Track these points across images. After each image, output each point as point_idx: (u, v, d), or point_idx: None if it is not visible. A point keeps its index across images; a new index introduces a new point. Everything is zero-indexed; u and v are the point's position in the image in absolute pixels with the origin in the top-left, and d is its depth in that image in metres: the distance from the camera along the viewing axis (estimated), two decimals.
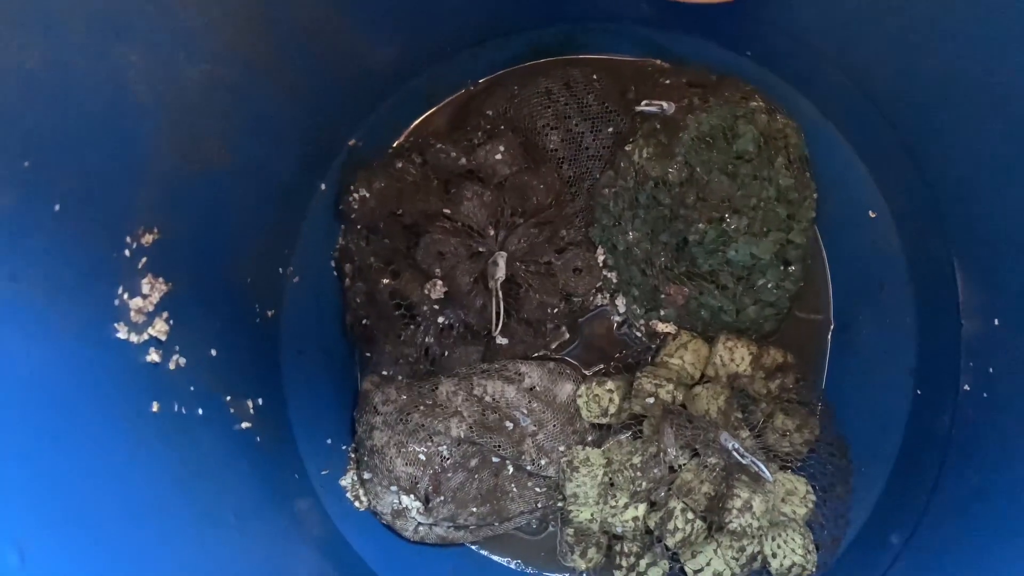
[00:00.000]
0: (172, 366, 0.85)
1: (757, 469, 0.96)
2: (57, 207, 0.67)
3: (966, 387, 0.96)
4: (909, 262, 1.05)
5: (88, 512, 0.70)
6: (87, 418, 0.73)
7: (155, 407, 0.81)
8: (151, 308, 0.81)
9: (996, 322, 0.91)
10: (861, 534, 1.04)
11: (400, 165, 1.09)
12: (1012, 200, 0.86)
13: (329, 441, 1.10)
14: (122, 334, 0.78)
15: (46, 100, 0.64)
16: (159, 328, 0.82)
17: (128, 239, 0.77)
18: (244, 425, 0.97)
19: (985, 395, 0.93)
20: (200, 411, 0.88)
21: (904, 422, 1.04)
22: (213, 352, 0.92)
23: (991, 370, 0.92)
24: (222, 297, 0.95)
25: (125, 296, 0.78)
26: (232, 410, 0.95)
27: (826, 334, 1.11)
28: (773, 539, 1.01)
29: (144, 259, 0.80)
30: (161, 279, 0.82)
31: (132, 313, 0.79)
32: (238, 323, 0.99)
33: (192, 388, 0.87)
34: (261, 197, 0.99)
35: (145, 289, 0.80)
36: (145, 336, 0.81)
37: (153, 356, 0.82)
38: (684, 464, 1.00)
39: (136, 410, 0.80)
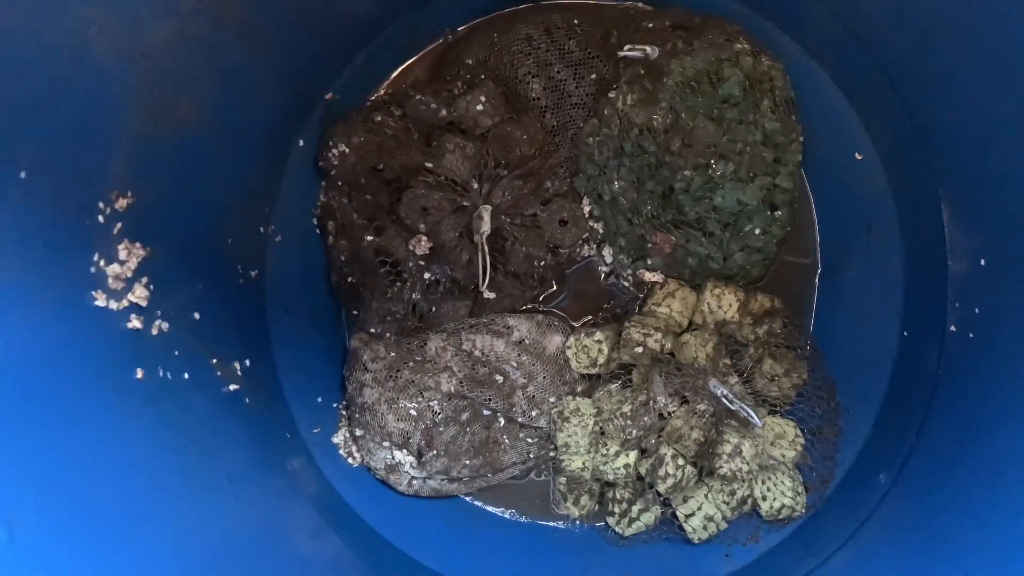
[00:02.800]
0: (155, 331, 0.84)
1: (746, 414, 0.97)
2: (23, 174, 0.65)
3: (952, 328, 0.96)
4: (896, 203, 1.04)
5: (77, 485, 0.70)
6: (70, 388, 0.72)
7: (139, 374, 0.80)
8: (129, 274, 0.79)
9: (982, 262, 0.91)
10: (850, 474, 1.05)
11: (379, 118, 1.06)
12: (999, 138, 0.85)
13: (320, 399, 1.10)
14: (101, 302, 0.76)
15: (1, 63, 0.62)
16: (139, 294, 0.81)
17: (101, 204, 0.75)
18: (232, 387, 0.96)
19: (971, 335, 0.94)
20: (186, 375, 0.88)
21: (891, 363, 1.05)
22: (196, 315, 0.91)
23: (977, 310, 0.92)
24: (203, 259, 0.93)
25: (101, 263, 0.76)
26: (219, 372, 0.94)
27: (813, 278, 1.10)
28: (763, 482, 1.02)
29: (119, 224, 0.78)
30: (138, 244, 0.80)
31: (110, 280, 0.77)
32: (221, 285, 0.98)
33: (176, 352, 0.86)
34: (237, 156, 0.96)
35: (122, 255, 0.78)
36: (125, 303, 0.79)
37: (134, 323, 0.81)
38: (674, 411, 1.01)
39: (120, 378, 0.79)
